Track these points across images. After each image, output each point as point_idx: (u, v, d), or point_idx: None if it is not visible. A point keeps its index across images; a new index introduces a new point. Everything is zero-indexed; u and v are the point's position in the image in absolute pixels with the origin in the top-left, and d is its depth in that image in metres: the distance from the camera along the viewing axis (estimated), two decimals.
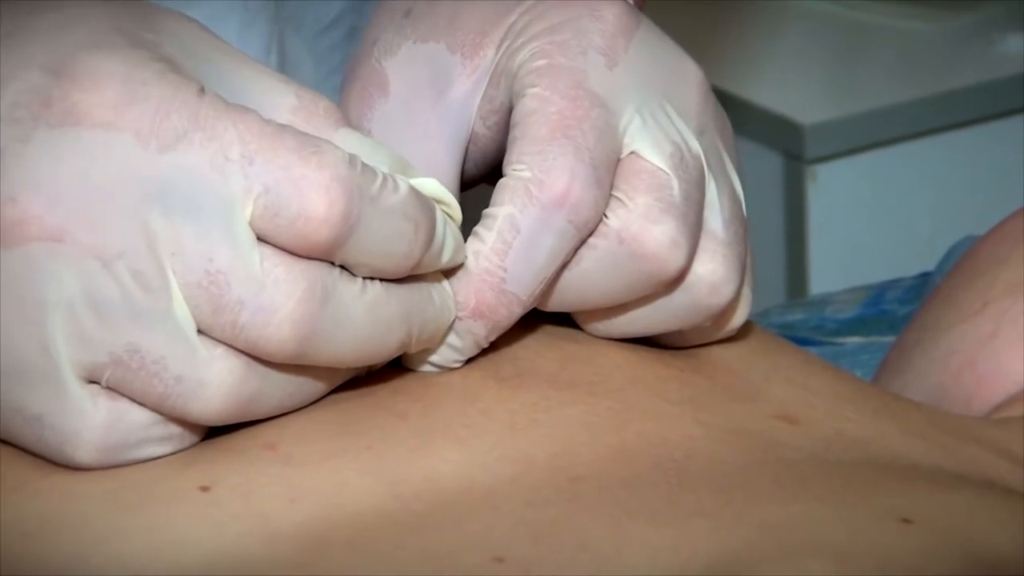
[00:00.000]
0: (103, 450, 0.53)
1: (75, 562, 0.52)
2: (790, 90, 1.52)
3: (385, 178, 0.53)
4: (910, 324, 0.74)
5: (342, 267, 0.53)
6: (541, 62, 0.59)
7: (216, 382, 0.53)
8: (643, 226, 0.57)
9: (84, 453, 0.53)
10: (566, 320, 0.61)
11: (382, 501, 0.54)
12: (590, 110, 0.58)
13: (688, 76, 0.61)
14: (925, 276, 0.98)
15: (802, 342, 0.88)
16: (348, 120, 0.56)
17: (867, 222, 1.50)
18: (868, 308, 0.98)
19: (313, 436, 0.55)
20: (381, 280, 0.54)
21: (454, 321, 0.57)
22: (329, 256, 0.53)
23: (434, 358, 0.58)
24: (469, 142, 0.61)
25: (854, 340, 0.95)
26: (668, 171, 0.58)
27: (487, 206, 0.58)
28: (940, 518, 0.55)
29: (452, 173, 0.61)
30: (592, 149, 0.57)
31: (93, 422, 0.53)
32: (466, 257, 0.57)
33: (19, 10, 0.54)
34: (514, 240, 0.57)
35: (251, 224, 0.52)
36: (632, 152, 0.58)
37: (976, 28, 1.57)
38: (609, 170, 0.57)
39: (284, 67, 0.81)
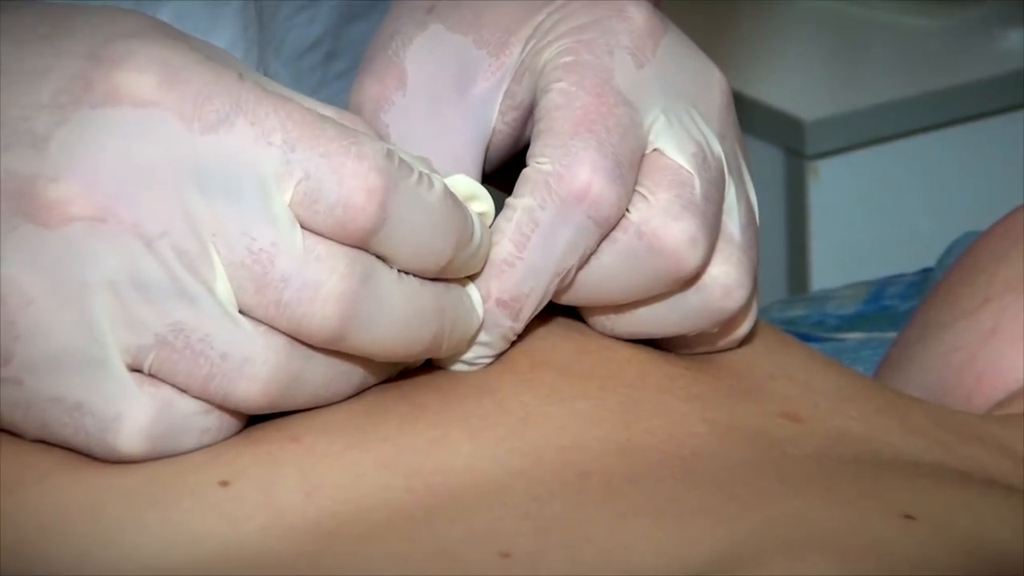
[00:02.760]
0: (147, 438, 0.53)
1: (91, 555, 0.52)
2: (791, 86, 1.53)
3: (421, 174, 0.54)
4: (911, 320, 0.74)
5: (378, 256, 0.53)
6: (568, 58, 0.59)
7: (261, 359, 0.53)
8: (663, 221, 0.57)
9: (126, 441, 0.53)
10: (569, 312, 0.61)
11: (396, 495, 0.54)
12: (615, 107, 0.58)
13: (713, 82, 0.61)
14: (926, 272, 0.98)
15: (803, 338, 0.88)
16: (367, 128, 0.56)
17: (868, 218, 1.50)
18: (869, 304, 0.98)
19: (337, 427, 0.56)
20: (420, 278, 0.54)
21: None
22: (365, 245, 0.53)
23: (466, 355, 0.58)
24: (490, 140, 0.62)
25: (855, 336, 0.95)
26: (691, 170, 0.58)
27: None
28: (942, 514, 0.55)
29: (474, 171, 0.61)
30: (616, 145, 0.57)
31: (138, 408, 0.53)
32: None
33: (56, 15, 0.55)
34: (532, 232, 0.57)
35: (291, 207, 0.52)
36: (655, 149, 0.58)
37: (976, 24, 1.57)
38: (632, 167, 0.58)
39: None
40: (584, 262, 0.58)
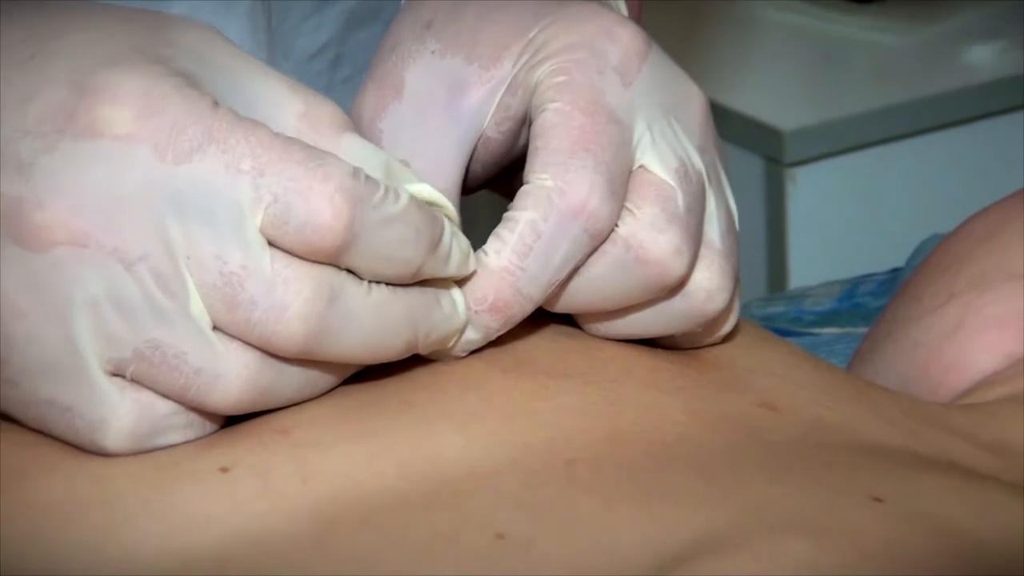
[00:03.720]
0: (130, 437, 0.53)
1: (107, 538, 0.52)
2: (770, 98, 1.53)
3: (387, 189, 0.53)
4: (881, 316, 0.74)
5: (349, 271, 0.53)
6: (561, 78, 0.58)
7: (233, 374, 0.53)
8: (649, 234, 0.57)
9: (112, 441, 0.53)
10: (563, 317, 0.61)
11: (391, 482, 0.54)
12: (607, 126, 0.58)
13: (692, 98, 0.61)
14: (896, 271, 0.98)
15: (782, 333, 0.88)
16: (352, 125, 0.56)
17: (843, 221, 1.50)
18: (843, 301, 0.98)
19: (324, 422, 0.55)
20: (388, 284, 0.54)
21: (470, 315, 0.57)
22: (335, 261, 0.53)
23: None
24: (478, 145, 0.61)
25: (830, 331, 0.95)
26: (674, 184, 0.58)
27: (489, 210, 0.58)
28: (910, 497, 0.55)
29: (455, 171, 0.61)
30: (609, 163, 0.57)
31: (121, 412, 0.53)
32: (475, 266, 0.57)
33: (42, 34, 0.54)
34: (534, 243, 0.57)
35: (261, 231, 0.52)
36: (641, 166, 0.58)
37: (942, 40, 1.57)
38: (623, 183, 0.58)
39: None
40: (574, 273, 0.58)
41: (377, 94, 0.62)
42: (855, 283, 1.00)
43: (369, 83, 0.62)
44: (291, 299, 0.52)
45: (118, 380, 0.53)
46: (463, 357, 0.59)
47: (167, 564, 0.51)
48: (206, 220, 0.52)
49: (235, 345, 0.53)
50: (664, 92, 0.60)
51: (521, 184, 0.58)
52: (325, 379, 0.56)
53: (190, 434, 0.54)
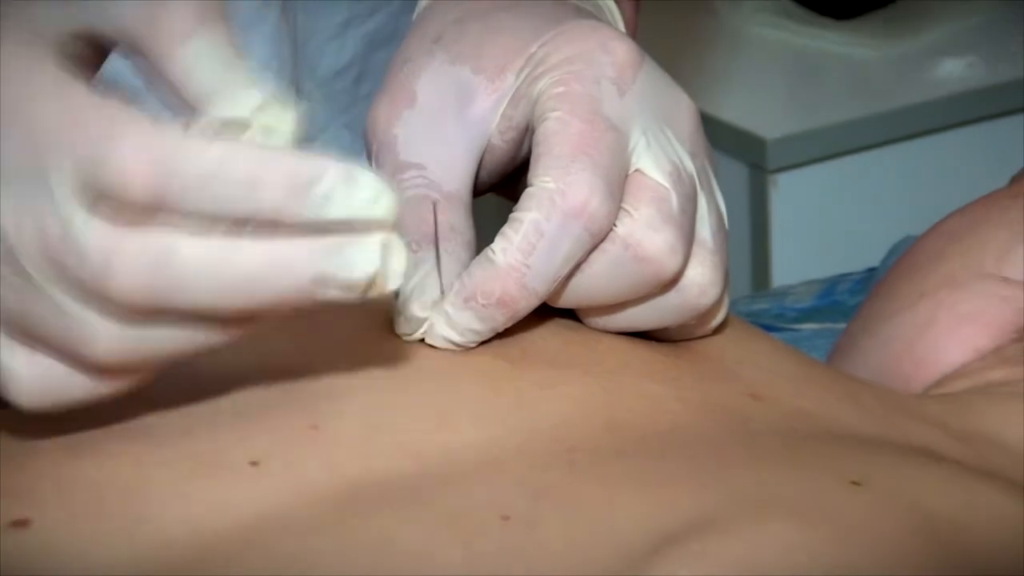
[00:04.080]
0: (38, 391, 0.51)
1: (144, 521, 0.52)
2: (754, 108, 1.52)
3: (199, 137, 0.48)
4: (858, 313, 0.74)
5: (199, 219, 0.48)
6: (560, 89, 0.58)
7: (97, 331, 0.49)
8: (646, 233, 0.57)
9: (24, 394, 0.51)
10: (565, 311, 0.61)
11: (408, 470, 0.54)
12: (605, 132, 0.57)
13: (683, 107, 0.61)
14: (871, 271, 0.98)
15: (766, 328, 0.88)
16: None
17: (822, 224, 1.50)
18: (822, 299, 0.98)
19: (352, 415, 0.55)
20: (256, 230, 0.49)
21: (478, 309, 0.57)
22: (160, 207, 0.48)
23: (455, 337, 0.58)
24: (485, 152, 0.61)
25: (810, 326, 0.95)
26: (668, 186, 0.58)
27: (491, 214, 0.58)
28: (886, 481, 0.55)
29: (467, 177, 0.61)
30: (607, 167, 0.57)
31: (23, 367, 0.51)
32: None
33: None
34: (538, 242, 0.56)
35: (81, 190, 0.48)
36: (637, 170, 0.58)
37: (915, 55, 1.56)
38: (620, 185, 0.58)
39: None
40: (575, 270, 0.58)
41: (391, 104, 0.61)
42: (833, 282, 1.00)
43: (383, 94, 0.62)
44: (113, 259, 0.48)
45: (14, 342, 0.51)
46: (472, 348, 0.59)
47: (198, 546, 0.51)
48: (26, 196, 0.49)
49: (91, 307, 0.49)
50: (657, 101, 0.60)
51: (525, 188, 0.58)
52: (204, 336, 0.50)
53: (98, 389, 0.51)
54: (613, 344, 0.61)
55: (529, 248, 0.56)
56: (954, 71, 1.54)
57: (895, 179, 1.51)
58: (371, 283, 0.49)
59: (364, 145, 0.62)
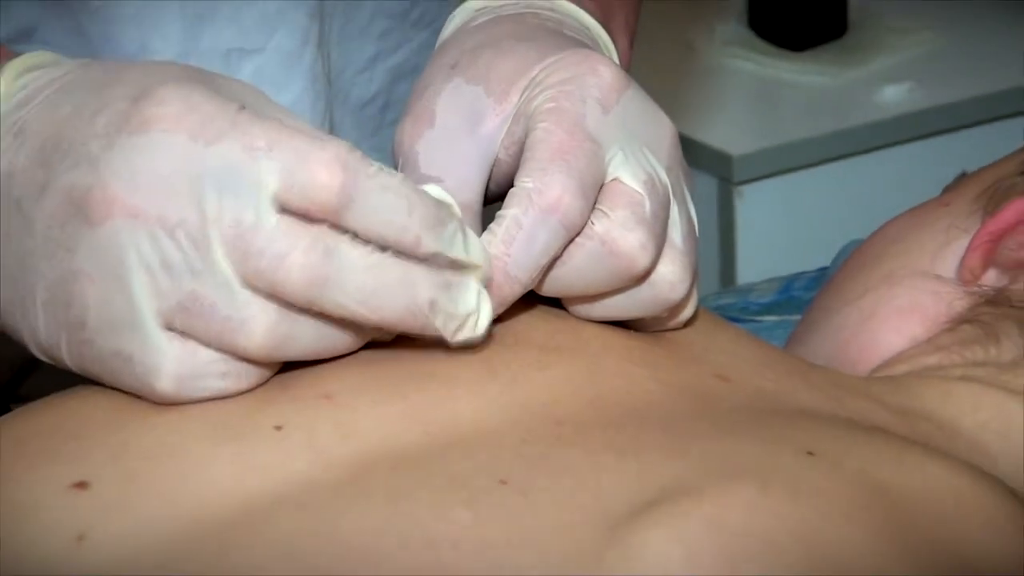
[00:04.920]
0: (177, 380, 0.53)
1: (181, 483, 0.52)
2: (722, 128, 1.52)
3: (382, 167, 0.53)
4: (811, 306, 0.74)
5: (356, 235, 0.52)
6: (550, 105, 0.58)
7: (255, 320, 0.52)
8: (620, 232, 0.57)
9: (162, 385, 0.53)
10: (553, 302, 0.61)
11: (415, 438, 0.54)
12: (583, 142, 0.57)
13: (663, 127, 0.60)
14: (823, 270, 0.98)
15: (732, 320, 0.88)
16: (401, 159, 0.56)
17: (781, 229, 1.50)
18: (781, 294, 0.98)
19: (362, 388, 0.55)
20: (393, 253, 0.53)
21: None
22: (336, 219, 0.52)
23: None
24: (493, 166, 0.61)
25: (771, 318, 0.95)
26: (642, 193, 0.57)
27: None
28: (836, 451, 0.55)
29: (479, 188, 0.61)
30: (582, 171, 0.57)
31: (169, 358, 0.52)
32: (486, 262, 0.55)
33: (117, 69, 0.55)
34: (517, 234, 0.56)
35: (276, 196, 0.51)
36: (615, 178, 0.58)
37: (861, 82, 1.56)
38: (594, 188, 0.57)
39: (333, 131, 0.80)
40: (556, 261, 0.57)
41: (414, 124, 0.61)
42: (791, 279, 1.00)
43: (407, 116, 0.62)
44: (289, 249, 0.51)
45: (168, 333, 0.52)
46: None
47: (230, 504, 0.51)
48: (228, 189, 0.51)
49: (257, 296, 0.52)
50: (638, 121, 0.59)
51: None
52: (340, 338, 0.54)
53: (227, 383, 0.53)
54: (596, 331, 0.60)
55: (510, 240, 0.56)
56: (895, 96, 1.54)
57: (844, 190, 1.51)
58: (466, 320, 0.54)
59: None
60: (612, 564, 0.49)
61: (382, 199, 0.52)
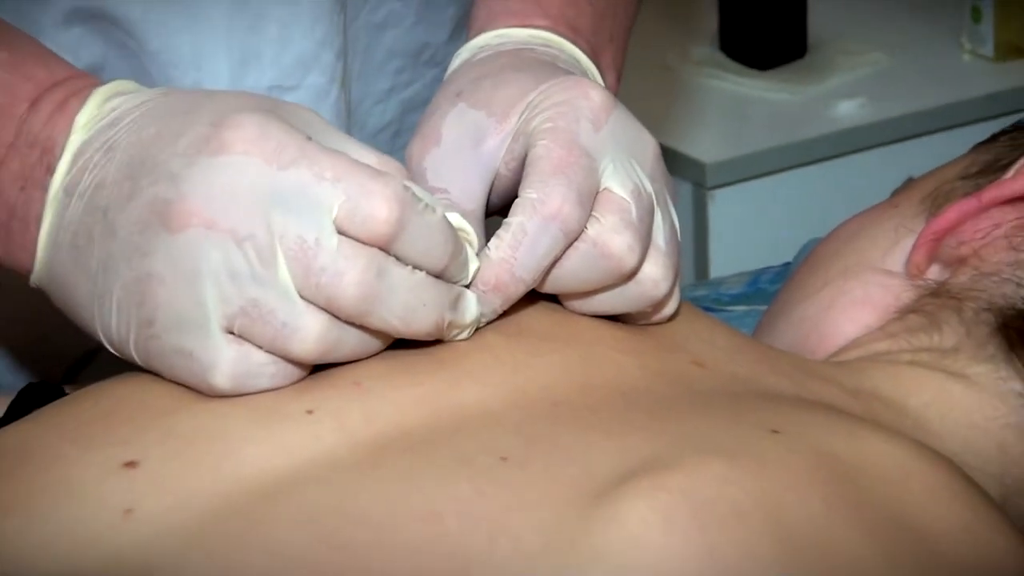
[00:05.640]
0: (232, 378, 0.53)
1: (223, 459, 0.52)
2: (696, 139, 1.52)
3: (427, 204, 0.53)
4: (776, 297, 0.74)
5: (397, 259, 0.53)
6: (548, 124, 0.58)
7: (309, 328, 0.52)
8: (610, 236, 0.57)
9: (220, 379, 0.53)
10: (550, 297, 0.61)
11: (427, 420, 0.54)
12: (579, 158, 0.57)
13: (646, 142, 0.60)
14: (787, 265, 0.98)
15: (705, 310, 0.88)
16: (410, 174, 0.56)
17: (749, 229, 1.50)
18: (749, 287, 0.98)
19: (385, 376, 0.55)
20: (427, 275, 0.54)
21: (480, 295, 0.57)
22: (387, 247, 0.52)
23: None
24: (495, 179, 0.61)
25: (740, 308, 0.95)
26: (629, 200, 0.57)
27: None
28: (798, 429, 0.55)
29: (481, 199, 0.60)
30: (579, 183, 0.57)
31: (227, 357, 0.52)
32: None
33: (197, 99, 0.55)
34: (523, 239, 0.56)
35: (336, 221, 0.51)
36: (606, 188, 0.57)
37: (819, 98, 1.56)
38: (590, 197, 0.57)
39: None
40: (556, 264, 0.57)
41: (422, 142, 0.61)
42: (758, 274, 1.00)
43: (416, 136, 0.62)
44: (349, 267, 0.51)
45: (227, 336, 0.52)
46: (479, 327, 0.58)
47: (262, 480, 0.51)
48: (296, 211, 0.51)
49: (312, 307, 0.52)
50: (625, 137, 0.59)
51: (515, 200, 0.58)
52: (374, 344, 0.55)
53: (276, 381, 0.53)
54: (589, 324, 0.60)
55: (516, 244, 0.56)
56: (849, 110, 1.54)
57: (805, 194, 1.51)
58: (470, 327, 0.57)
59: None
60: (598, 529, 0.49)
61: (425, 233, 0.53)
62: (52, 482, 0.52)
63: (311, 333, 0.52)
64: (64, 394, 0.61)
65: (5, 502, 0.51)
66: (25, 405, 0.60)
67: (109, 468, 0.52)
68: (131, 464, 0.52)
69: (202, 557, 0.49)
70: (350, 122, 0.78)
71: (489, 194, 0.61)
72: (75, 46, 0.65)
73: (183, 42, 0.67)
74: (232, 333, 0.52)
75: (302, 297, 0.52)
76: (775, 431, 0.54)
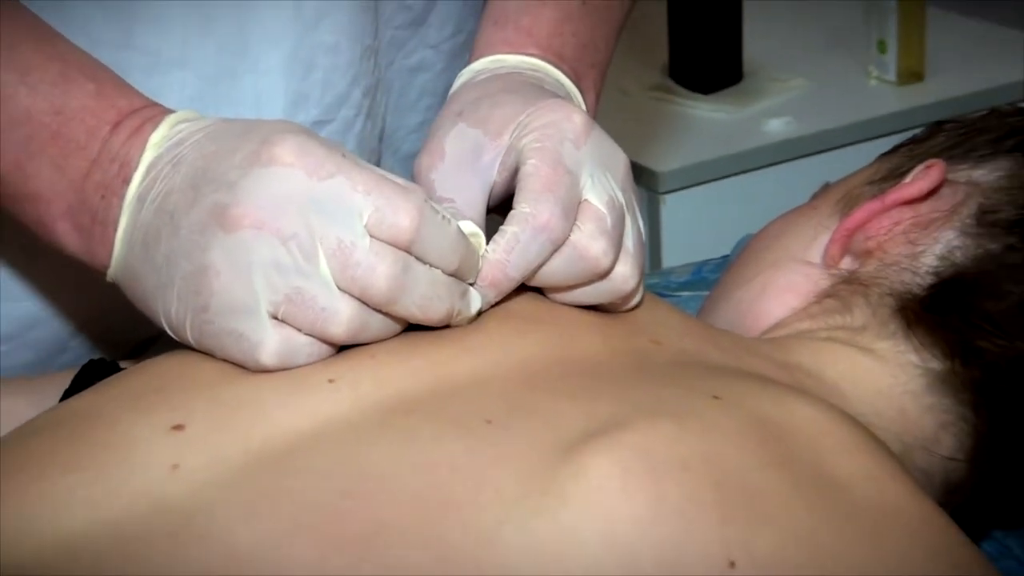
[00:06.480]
0: (277, 356, 0.53)
1: (254, 424, 0.52)
2: (651, 152, 1.52)
3: (444, 215, 0.54)
4: (716, 285, 0.74)
5: (418, 259, 0.53)
6: (536, 144, 0.58)
7: (344, 313, 0.52)
8: (589, 242, 0.57)
9: (266, 357, 0.53)
10: (537, 290, 0.60)
11: (427, 387, 0.54)
12: (564, 175, 0.57)
13: (619, 158, 0.60)
14: (725, 257, 0.98)
15: (657, 295, 0.88)
16: (419, 185, 0.56)
17: (695, 227, 1.50)
18: (694, 275, 0.98)
19: (396, 351, 0.55)
20: (443, 272, 0.54)
21: (477, 288, 0.57)
22: (409, 249, 0.53)
23: None
24: (491, 188, 0.60)
25: (686, 294, 0.95)
26: (605, 211, 0.57)
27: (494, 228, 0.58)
28: (735, 396, 0.55)
29: (481, 206, 0.60)
30: (564, 199, 0.56)
31: (274, 338, 0.53)
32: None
33: (248, 124, 0.55)
34: (515, 246, 0.56)
35: (368, 225, 0.52)
36: (585, 199, 0.57)
37: (753, 116, 1.56)
38: (573, 210, 0.57)
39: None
40: (543, 265, 0.57)
41: (429, 158, 0.61)
42: (701, 264, 1.00)
43: (424, 152, 0.62)
44: (379, 263, 0.52)
45: (273, 320, 0.52)
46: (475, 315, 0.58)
47: (286, 439, 0.51)
48: (333, 216, 0.52)
49: (346, 296, 0.52)
50: (601, 153, 0.59)
51: (510, 211, 0.58)
52: (394, 328, 0.55)
53: (312, 358, 0.54)
54: (568, 312, 0.60)
55: (510, 249, 0.56)
56: (777, 127, 1.54)
57: (741, 197, 1.51)
58: (469, 316, 0.56)
59: None
60: (567, 479, 0.49)
61: (441, 239, 0.53)
62: (111, 442, 0.52)
63: (345, 316, 0.52)
64: (119, 369, 0.61)
65: (72, 460, 0.51)
66: (86, 379, 0.60)
67: (159, 430, 0.52)
68: (178, 427, 0.52)
69: (235, 505, 0.49)
70: (382, 147, 0.78)
71: (489, 200, 0.61)
72: (166, 91, 0.65)
73: (247, 85, 0.68)
74: (276, 318, 0.53)
75: (339, 288, 0.52)
76: (716, 397, 0.54)
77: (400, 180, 0.54)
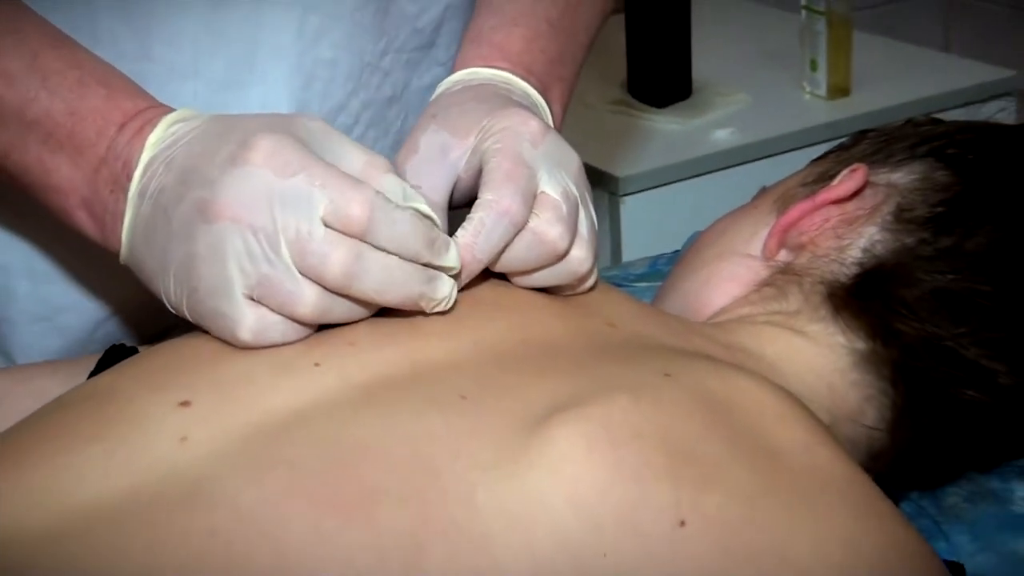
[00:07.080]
0: (253, 332, 0.53)
1: (253, 402, 0.52)
2: (611, 158, 1.52)
3: (396, 205, 0.53)
4: (669, 275, 0.74)
5: (378, 248, 0.53)
6: (498, 144, 0.58)
7: (307, 296, 0.52)
8: (547, 228, 0.57)
9: (244, 334, 0.53)
10: (501, 276, 0.60)
11: (406, 371, 0.53)
12: (523, 169, 0.57)
13: (572, 158, 0.60)
14: (676, 251, 0.98)
15: (617, 285, 0.88)
16: (394, 170, 0.55)
17: (651, 226, 1.50)
18: (650, 268, 0.98)
19: (374, 337, 0.55)
20: (400, 258, 0.53)
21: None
22: (363, 237, 0.52)
23: None
24: (456, 183, 0.60)
25: (643, 284, 0.95)
26: (560, 200, 0.57)
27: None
28: (684, 373, 0.55)
29: (446, 194, 0.60)
30: (523, 189, 0.56)
31: (249, 317, 0.52)
32: (459, 261, 0.56)
33: (230, 123, 0.55)
34: (482, 230, 0.56)
35: (324, 217, 0.51)
36: (543, 191, 0.57)
37: (702, 127, 1.56)
38: (531, 198, 0.57)
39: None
40: (506, 248, 0.57)
41: (405, 152, 0.61)
42: (656, 258, 1.00)
43: (403, 147, 0.62)
44: (332, 250, 0.51)
45: (249, 301, 0.52)
46: None
47: (281, 415, 0.51)
48: (295, 209, 0.51)
49: (309, 280, 0.52)
50: (556, 153, 0.59)
51: (475, 201, 0.57)
52: (360, 311, 0.54)
53: (286, 336, 0.53)
54: (529, 295, 0.60)
55: (476, 233, 0.56)
56: (723, 136, 1.55)
57: (691, 199, 1.52)
58: (440, 302, 0.54)
59: None
60: (535, 448, 0.49)
61: (394, 227, 0.52)
62: (127, 417, 0.51)
63: (310, 299, 0.52)
64: (138, 352, 0.60)
65: (92, 432, 0.51)
66: (110, 361, 0.60)
67: (169, 406, 0.51)
68: (186, 403, 0.51)
69: (237, 473, 0.49)
70: (396, 145, 0.77)
71: (452, 192, 0.61)
72: (181, 99, 0.65)
73: (254, 95, 0.68)
74: (252, 299, 0.52)
75: (301, 273, 0.52)
76: (667, 375, 0.54)
77: (365, 154, 0.53)
